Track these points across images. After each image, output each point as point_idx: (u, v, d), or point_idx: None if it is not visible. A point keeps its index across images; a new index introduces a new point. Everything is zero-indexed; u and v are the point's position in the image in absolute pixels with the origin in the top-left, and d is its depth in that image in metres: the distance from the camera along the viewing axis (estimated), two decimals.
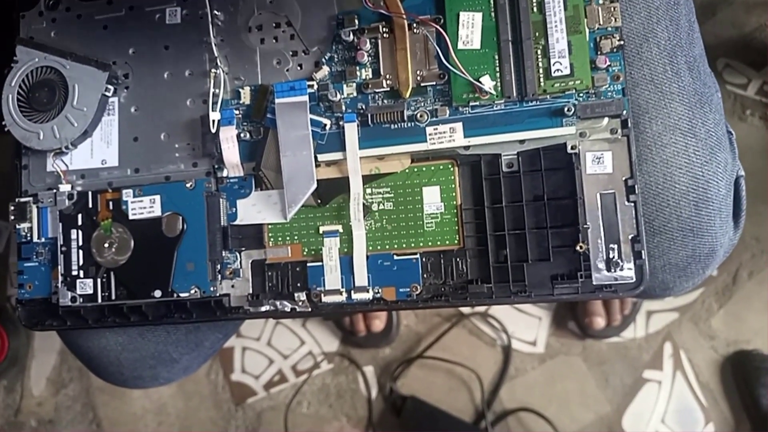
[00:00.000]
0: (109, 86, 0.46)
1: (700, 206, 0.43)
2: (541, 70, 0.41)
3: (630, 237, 0.40)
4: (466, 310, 1.00)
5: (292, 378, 1.08)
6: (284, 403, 1.07)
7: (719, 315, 0.96)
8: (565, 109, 0.40)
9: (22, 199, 0.48)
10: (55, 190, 0.47)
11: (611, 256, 0.40)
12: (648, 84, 0.43)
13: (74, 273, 0.46)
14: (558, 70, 0.40)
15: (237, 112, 0.45)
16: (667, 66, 0.43)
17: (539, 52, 0.41)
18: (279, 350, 1.09)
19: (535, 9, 0.41)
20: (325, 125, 0.44)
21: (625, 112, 0.40)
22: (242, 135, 0.45)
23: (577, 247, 0.40)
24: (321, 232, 0.44)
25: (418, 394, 0.99)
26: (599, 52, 0.40)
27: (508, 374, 0.99)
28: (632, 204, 0.40)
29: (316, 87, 0.44)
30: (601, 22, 0.40)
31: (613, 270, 0.40)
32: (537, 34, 0.41)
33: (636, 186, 0.40)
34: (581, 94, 0.40)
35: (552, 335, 1.00)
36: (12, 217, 0.48)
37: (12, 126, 0.47)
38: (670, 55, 0.44)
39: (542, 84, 0.41)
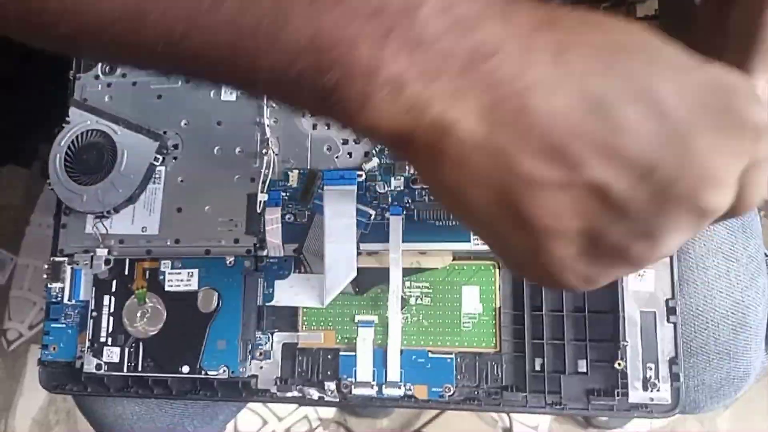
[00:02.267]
0: (158, 155, 0.47)
1: (738, 330, 0.43)
2: None
3: (668, 358, 0.40)
4: None
5: None
6: None
7: (725, 416, 0.95)
8: None
9: (58, 259, 0.48)
10: (92, 253, 0.47)
11: (648, 375, 0.40)
12: None
13: (102, 340, 0.45)
14: None
15: (284, 193, 0.45)
16: None
17: None
18: (274, 411, 1.06)
19: None
20: (371, 215, 0.44)
21: None
22: (287, 217, 0.45)
23: (616, 364, 0.40)
24: (356, 321, 0.44)
25: None
26: None
27: None
28: (672, 325, 0.40)
29: (364, 177, 0.45)
30: None
31: (649, 390, 0.40)
32: None
33: (677, 307, 0.40)
34: None
35: (555, 421, 0.98)
36: (45, 276, 0.47)
37: (56, 185, 0.47)
38: None
39: None
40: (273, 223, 0.45)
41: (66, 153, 0.48)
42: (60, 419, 1.15)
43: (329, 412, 1.04)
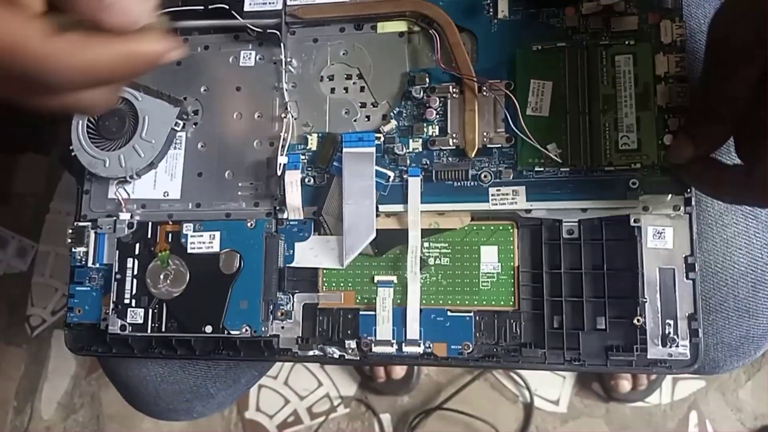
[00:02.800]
0: (179, 121, 0.48)
1: (758, 288, 0.43)
2: (608, 143, 0.42)
3: (687, 314, 0.40)
4: None
5: (307, 420, 1.06)
6: None
7: (747, 387, 0.95)
8: (630, 182, 0.41)
9: (81, 223, 0.48)
10: (114, 218, 0.48)
11: (667, 331, 0.40)
12: None
13: (126, 301, 0.46)
14: (625, 144, 0.41)
15: (303, 157, 0.46)
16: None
17: (608, 125, 0.42)
18: (296, 390, 1.07)
19: (605, 82, 0.42)
20: (389, 177, 0.45)
21: (689, 190, 0.40)
22: (306, 180, 0.46)
23: (635, 320, 0.40)
24: (376, 281, 0.44)
25: None
26: (667, 130, 0.41)
27: None
28: (691, 281, 0.40)
29: (382, 139, 0.45)
30: (670, 101, 0.41)
31: (668, 346, 0.40)
32: (606, 107, 0.42)
33: (696, 264, 0.40)
34: (647, 169, 0.41)
35: (575, 395, 0.99)
36: (69, 240, 0.48)
37: (79, 151, 0.48)
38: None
39: (609, 156, 0.41)
40: (293, 186, 0.45)
41: (88, 120, 0.48)
42: (84, 402, 1.17)
43: (350, 390, 1.05)
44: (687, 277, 0.40)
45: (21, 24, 0.24)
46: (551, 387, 0.99)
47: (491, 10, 0.45)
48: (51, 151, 1.20)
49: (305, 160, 0.46)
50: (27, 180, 1.26)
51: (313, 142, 0.46)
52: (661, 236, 0.41)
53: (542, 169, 0.42)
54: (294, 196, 0.45)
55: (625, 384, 0.92)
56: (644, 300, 0.40)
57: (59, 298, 1.21)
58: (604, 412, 0.97)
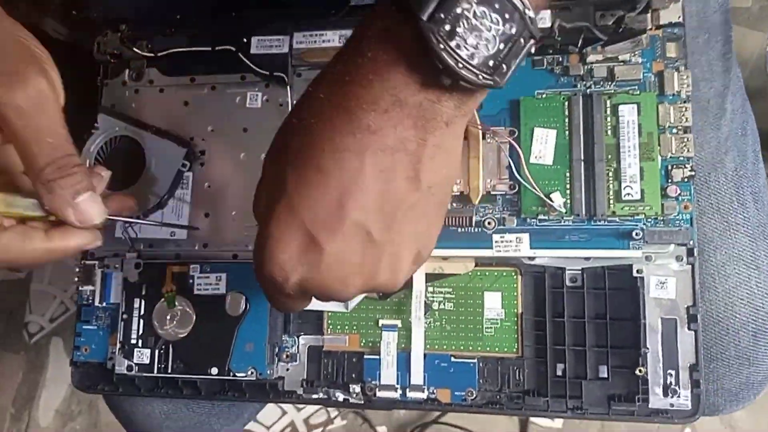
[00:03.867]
0: (186, 162, 0.48)
1: (758, 336, 0.43)
2: (611, 192, 0.42)
3: (689, 365, 0.41)
4: None
5: (304, 431, 1.07)
6: None
7: (743, 410, 0.95)
8: (634, 233, 0.41)
9: (89, 262, 0.49)
10: (122, 257, 0.48)
11: (669, 382, 0.41)
12: (714, 213, 0.45)
13: (133, 342, 0.47)
14: (629, 194, 0.42)
15: None
16: (733, 196, 0.45)
17: (611, 174, 0.42)
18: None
19: (609, 132, 0.43)
20: None
21: (691, 241, 0.41)
22: None
23: (637, 371, 0.41)
24: (380, 325, 0.45)
25: None
26: (670, 181, 0.42)
27: None
28: (693, 332, 0.41)
29: None
30: (674, 151, 0.42)
31: (670, 396, 0.40)
32: (609, 156, 0.42)
33: (698, 315, 0.41)
34: (650, 220, 0.42)
35: None
36: (76, 279, 0.49)
37: None
38: (736, 185, 0.45)
39: (612, 206, 0.42)
40: None
41: (95, 159, 0.49)
42: (82, 410, 1.17)
43: None
44: (689, 328, 0.41)
45: None
46: None
47: None
48: None
49: None
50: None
51: None
52: (663, 286, 0.41)
53: (546, 217, 0.43)
54: None
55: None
56: (646, 350, 0.41)
57: (57, 305, 1.21)
58: (600, 428, 0.98)
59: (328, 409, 1.06)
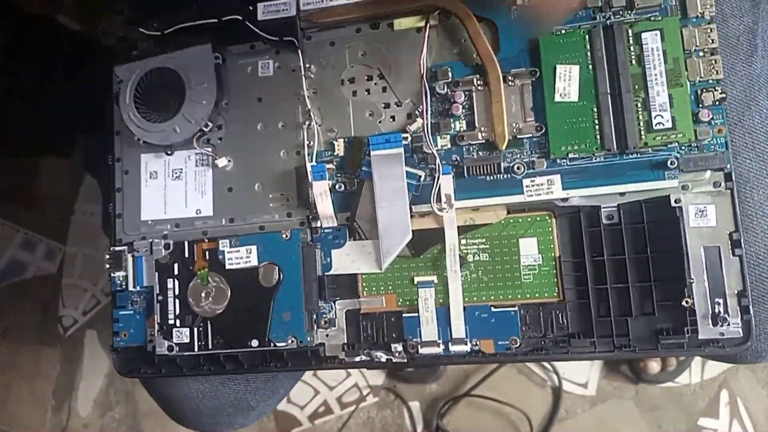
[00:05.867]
0: (217, 54, 0.47)
1: None
2: (641, 123, 0.41)
3: (736, 291, 0.40)
4: None
5: (338, 410, 1.07)
6: None
7: None
8: (668, 162, 0.40)
9: (117, 248, 0.49)
10: (150, 239, 0.48)
11: (717, 310, 0.40)
12: (750, 152, 0.43)
13: (171, 322, 0.46)
14: (659, 123, 0.40)
15: (331, 164, 0.46)
16: None
17: (639, 104, 0.41)
18: (325, 381, 1.09)
19: (633, 62, 0.41)
20: (420, 177, 0.44)
21: (728, 165, 0.40)
22: (337, 186, 0.45)
23: (683, 302, 0.40)
24: (416, 282, 0.44)
25: None
26: (701, 105, 0.40)
27: (558, 416, 0.97)
28: (738, 258, 0.40)
29: (410, 139, 0.45)
30: (702, 75, 0.40)
31: (719, 325, 0.39)
32: (636, 86, 0.41)
33: (741, 240, 0.40)
34: (683, 147, 0.40)
35: (604, 378, 0.98)
36: (107, 266, 0.49)
37: (134, 128, 0.48)
38: None
39: (643, 137, 0.41)
40: (322, 197, 0.45)
41: (135, 96, 0.48)
42: (120, 400, 1.19)
43: (378, 380, 1.06)
44: (733, 254, 0.40)
45: None
46: (579, 370, 0.98)
47: None
48: (71, 153, 1.20)
49: (333, 167, 0.46)
50: (50, 183, 1.27)
51: (339, 148, 0.46)
52: (703, 214, 0.40)
53: (576, 155, 0.42)
54: (325, 206, 0.45)
55: (654, 365, 0.91)
56: (691, 280, 0.40)
57: (89, 298, 1.23)
58: (634, 394, 0.97)
59: (360, 386, 1.06)
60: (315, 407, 1.08)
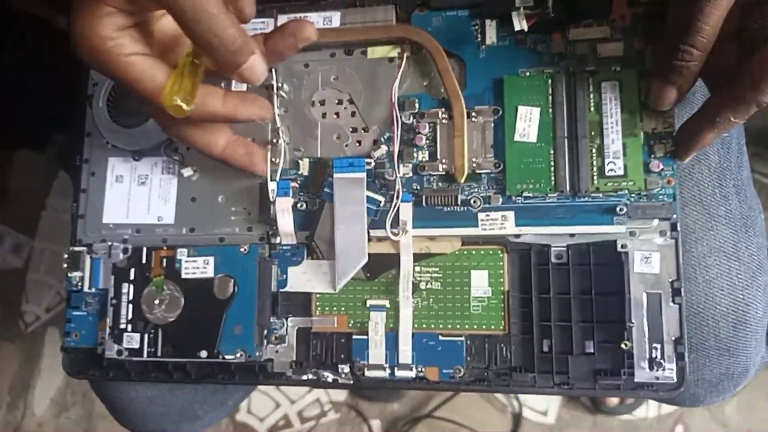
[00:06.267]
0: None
1: (738, 328, 0.44)
2: (595, 169, 0.42)
3: (673, 338, 0.41)
4: None
5: (298, 424, 1.07)
6: None
7: (732, 402, 0.96)
8: (618, 208, 0.41)
9: (77, 248, 0.49)
10: (109, 243, 0.48)
11: (654, 355, 0.41)
12: (696, 204, 0.45)
13: (122, 326, 0.47)
14: (612, 170, 0.42)
15: (295, 183, 0.46)
16: (716, 189, 0.45)
17: (594, 150, 0.42)
18: (287, 394, 1.08)
19: (592, 108, 0.43)
20: (380, 202, 0.45)
21: (675, 216, 0.41)
22: (299, 205, 0.46)
23: (622, 345, 0.41)
24: (368, 305, 0.45)
25: None
26: (653, 156, 0.42)
27: None
28: (678, 305, 0.41)
29: (373, 164, 0.46)
30: (656, 127, 0.42)
31: (655, 369, 0.41)
32: (593, 133, 0.43)
33: (681, 289, 0.41)
34: (633, 195, 0.42)
35: (564, 407, 0.99)
36: (65, 266, 0.49)
37: (118, 140, 0.48)
38: (719, 177, 0.46)
39: (596, 182, 0.42)
40: (284, 213, 0.45)
41: (107, 100, 0.49)
42: (77, 400, 1.17)
43: (341, 396, 1.06)
44: (674, 302, 0.41)
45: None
46: (540, 398, 1.00)
47: (479, 36, 0.45)
48: (46, 148, 1.20)
49: (296, 186, 0.47)
50: (23, 177, 1.26)
51: (304, 167, 0.47)
52: (648, 261, 0.42)
53: (531, 194, 0.43)
54: (286, 222, 0.45)
55: (612, 398, 0.93)
56: (631, 324, 0.41)
57: (54, 295, 1.21)
58: (591, 424, 0.98)
59: (321, 401, 1.07)
60: (275, 420, 1.08)
